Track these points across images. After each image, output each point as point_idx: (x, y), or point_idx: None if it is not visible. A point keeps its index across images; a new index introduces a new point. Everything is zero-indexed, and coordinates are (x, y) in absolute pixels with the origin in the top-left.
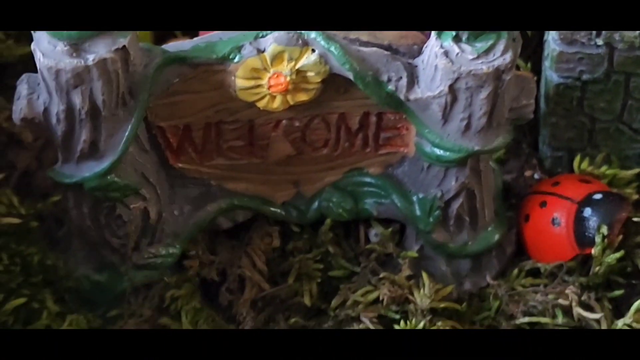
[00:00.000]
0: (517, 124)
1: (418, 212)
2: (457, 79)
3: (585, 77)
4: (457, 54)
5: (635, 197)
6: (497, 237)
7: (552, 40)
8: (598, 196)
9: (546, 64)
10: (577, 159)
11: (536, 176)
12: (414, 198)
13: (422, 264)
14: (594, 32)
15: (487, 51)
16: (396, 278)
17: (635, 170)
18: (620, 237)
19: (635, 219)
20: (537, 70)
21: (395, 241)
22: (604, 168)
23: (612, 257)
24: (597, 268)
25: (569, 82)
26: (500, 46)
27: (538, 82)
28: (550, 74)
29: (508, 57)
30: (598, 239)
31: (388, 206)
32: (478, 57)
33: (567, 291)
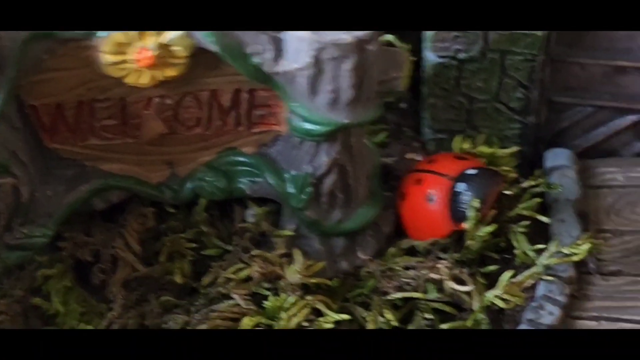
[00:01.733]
0: (389, 98)
1: (290, 190)
2: (320, 50)
3: (461, 55)
4: None
5: (513, 174)
6: (371, 215)
7: None
8: (472, 171)
9: (424, 44)
10: (457, 139)
11: (418, 159)
12: (287, 176)
13: (297, 243)
14: None
15: None
16: (268, 255)
17: (513, 149)
18: (494, 211)
19: (507, 192)
20: (419, 51)
21: (270, 220)
22: (481, 147)
23: (485, 231)
24: (470, 242)
25: (446, 61)
26: None
27: (419, 63)
28: (428, 54)
29: None
30: (471, 213)
31: (262, 185)
32: None
33: (438, 266)
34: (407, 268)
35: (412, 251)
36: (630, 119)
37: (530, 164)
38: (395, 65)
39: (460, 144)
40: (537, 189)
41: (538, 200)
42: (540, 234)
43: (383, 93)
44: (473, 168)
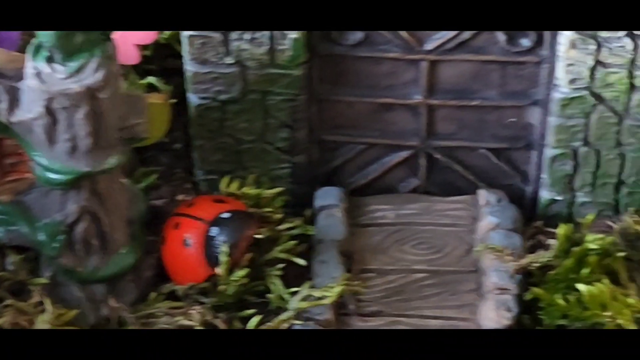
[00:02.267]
0: (135, 144)
1: (42, 238)
2: (50, 100)
3: (222, 97)
4: (49, 74)
5: (278, 215)
6: (130, 261)
7: (187, 60)
8: (226, 215)
9: (186, 85)
10: (224, 180)
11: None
12: (39, 224)
13: (56, 291)
14: (225, 51)
15: (78, 70)
16: (20, 305)
17: (278, 189)
18: (249, 255)
19: (259, 236)
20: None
21: (30, 268)
22: (246, 188)
23: (237, 275)
24: (225, 287)
25: (207, 102)
26: (92, 65)
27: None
28: (191, 96)
29: (100, 75)
30: (222, 258)
31: (17, 233)
32: (70, 77)
33: (191, 312)
34: (166, 314)
35: (174, 296)
36: (402, 155)
37: (304, 203)
38: (136, 112)
39: (226, 185)
40: (296, 231)
41: (294, 242)
42: (305, 277)
43: (127, 139)
44: (227, 211)
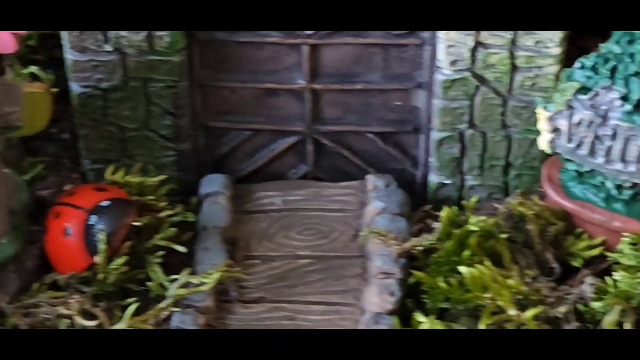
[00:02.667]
0: (9, 133)
1: None
2: None
3: (103, 85)
4: None
5: (162, 203)
6: (12, 251)
7: (67, 49)
8: (105, 203)
9: (68, 74)
10: (109, 169)
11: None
12: None
13: None
14: (103, 38)
15: None
16: None
17: (162, 177)
18: (129, 243)
19: (137, 223)
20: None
21: None
22: (130, 176)
23: (117, 264)
24: (104, 276)
25: (89, 91)
26: None
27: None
28: (72, 84)
29: None
30: (100, 246)
31: None
32: None
33: (70, 301)
34: (47, 304)
35: (58, 286)
36: (289, 141)
37: (191, 191)
38: (10, 100)
39: (111, 174)
40: (177, 218)
41: (174, 230)
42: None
43: (1, 128)
44: (107, 200)
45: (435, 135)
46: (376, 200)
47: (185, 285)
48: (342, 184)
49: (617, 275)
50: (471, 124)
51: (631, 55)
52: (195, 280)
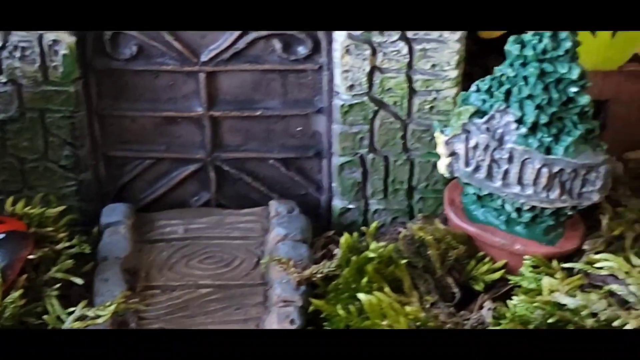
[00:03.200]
0: None
1: None
2: None
3: (0, 116)
4: None
5: (61, 235)
6: None
7: None
8: (0, 236)
9: None
10: (9, 200)
11: None
12: None
13: None
14: None
15: None
16: None
17: (61, 208)
18: (24, 276)
19: (31, 257)
20: None
21: None
22: (30, 208)
23: (13, 297)
24: (0, 310)
25: None
26: None
27: None
28: None
29: None
30: None
31: None
32: None
33: None
34: None
35: None
36: (190, 168)
37: (94, 221)
38: None
39: (10, 205)
40: (75, 250)
41: (71, 261)
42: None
43: None
44: (2, 232)
45: (337, 160)
46: (278, 227)
47: (82, 318)
48: (245, 210)
49: (515, 299)
50: (372, 148)
51: (525, 78)
52: (91, 312)
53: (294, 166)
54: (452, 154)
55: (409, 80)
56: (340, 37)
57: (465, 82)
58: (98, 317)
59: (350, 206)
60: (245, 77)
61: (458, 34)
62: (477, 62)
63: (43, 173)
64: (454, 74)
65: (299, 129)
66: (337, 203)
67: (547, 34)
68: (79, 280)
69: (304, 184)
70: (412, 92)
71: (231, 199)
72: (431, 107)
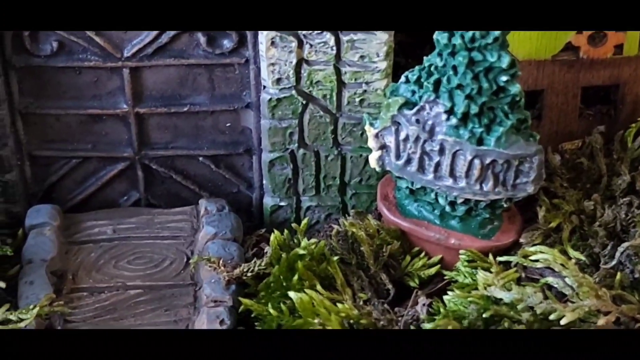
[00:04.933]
0: None
1: None
2: None
3: None
4: None
5: None
6: None
7: None
8: None
9: None
10: None
11: None
12: None
13: None
14: None
15: None
16: None
17: None
18: None
19: None
20: None
21: None
22: None
23: None
24: None
25: None
26: None
27: None
28: None
29: None
30: None
31: None
32: None
33: None
34: None
35: None
36: (117, 167)
37: (20, 223)
38: None
39: None
40: None
41: None
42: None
43: None
44: None
45: (266, 157)
46: (208, 226)
47: (5, 322)
48: (175, 210)
49: (450, 294)
50: (302, 144)
51: (454, 68)
52: (13, 316)
53: (224, 163)
54: (383, 147)
55: (338, 72)
56: (266, 30)
57: (399, 74)
58: (21, 320)
59: (282, 203)
60: (170, 72)
61: None
62: (412, 54)
63: None
64: (383, 65)
65: (228, 124)
66: (268, 200)
67: None
68: (1, 284)
69: (235, 181)
70: (341, 84)
71: (161, 198)
72: (361, 100)
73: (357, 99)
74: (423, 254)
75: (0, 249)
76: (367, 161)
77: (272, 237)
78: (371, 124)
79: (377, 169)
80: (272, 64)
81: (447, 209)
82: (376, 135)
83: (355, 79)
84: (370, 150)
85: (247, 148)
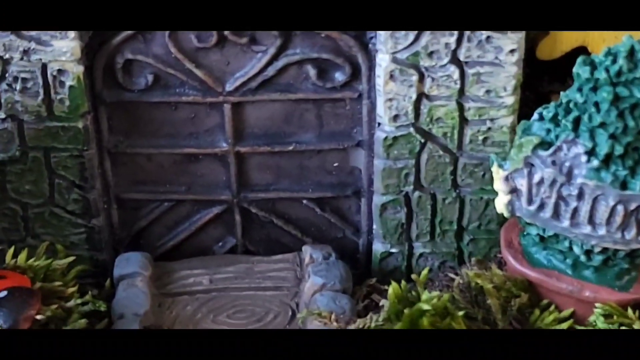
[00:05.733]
0: None
1: None
2: None
3: (0, 157)
4: None
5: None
6: None
7: None
8: (2, 294)
9: None
10: (10, 251)
11: None
12: None
13: None
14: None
15: None
16: None
17: (70, 259)
18: None
19: (38, 317)
20: None
21: None
22: (34, 259)
23: None
24: None
25: None
26: None
27: None
28: None
29: None
30: None
31: None
32: None
33: None
34: None
35: None
36: (213, 211)
37: (106, 272)
38: None
39: (11, 257)
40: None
41: (84, 321)
42: None
43: None
44: (5, 290)
45: (378, 199)
46: (315, 276)
47: None
48: (276, 257)
49: None
50: (418, 185)
51: (596, 105)
52: None
53: (329, 206)
54: (513, 190)
55: (461, 108)
56: (383, 62)
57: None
58: None
59: (393, 250)
60: (275, 108)
61: (516, 56)
62: (529, 87)
63: (48, 219)
64: (510, 100)
65: (335, 164)
66: (378, 247)
67: (622, 54)
68: None
69: (341, 225)
70: (463, 121)
71: (260, 244)
72: (485, 138)
73: (480, 137)
74: (553, 307)
75: (93, 304)
76: (487, 205)
77: (390, 290)
78: (500, 166)
79: (506, 214)
80: (390, 99)
81: (582, 258)
82: (506, 178)
83: (479, 116)
84: (492, 193)
85: (355, 190)
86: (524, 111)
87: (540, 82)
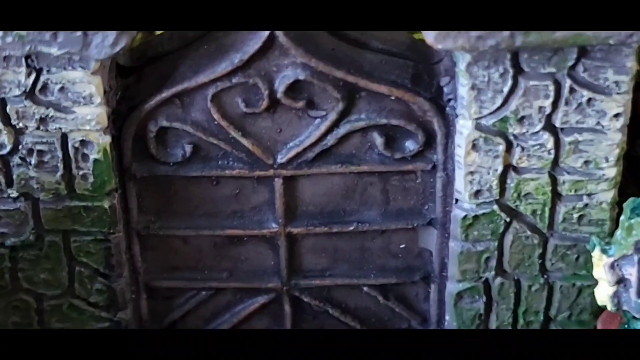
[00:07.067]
0: None
1: None
2: None
3: (9, 241)
4: None
5: None
6: None
7: None
8: None
9: None
10: None
11: None
12: None
13: None
14: (5, 181)
15: None
16: None
17: None
18: None
19: None
20: None
21: None
22: None
23: None
24: None
25: None
26: None
27: None
28: None
29: None
30: None
31: None
32: None
33: None
34: None
35: None
36: (259, 300)
37: None
38: None
39: None
40: None
41: None
42: None
43: None
44: None
45: (453, 287)
46: None
47: None
48: None
49: None
50: (500, 271)
51: None
52: None
53: (393, 294)
54: (620, 280)
55: (554, 182)
56: (465, 129)
57: None
58: None
59: None
60: (334, 182)
61: (621, 121)
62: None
63: (67, 313)
64: (612, 172)
65: (402, 246)
66: None
67: None
68: None
69: (406, 315)
70: (555, 197)
71: None
72: (580, 216)
73: (575, 215)
74: None
75: None
76: (580, 292)
77: None
78: (603, 251)
79: (610, 308)
80: (471, 172)
81: None
82: (611, 266)
83: (575, 190)
84: (588, 279)
85: (424, 275)
86: (630, 189)
87: (633, 144)
